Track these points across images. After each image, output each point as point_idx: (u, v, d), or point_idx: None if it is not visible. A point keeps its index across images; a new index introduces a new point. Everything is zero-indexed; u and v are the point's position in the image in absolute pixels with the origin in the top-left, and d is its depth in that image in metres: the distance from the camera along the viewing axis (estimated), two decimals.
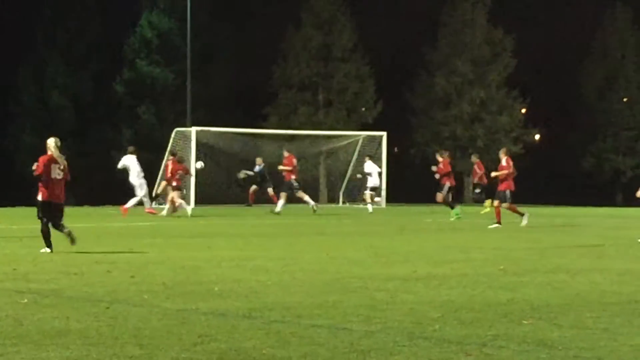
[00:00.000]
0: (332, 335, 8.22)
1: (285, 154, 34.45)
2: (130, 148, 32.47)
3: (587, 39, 67.48)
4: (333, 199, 48.97)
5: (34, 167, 16.60)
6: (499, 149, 28.74)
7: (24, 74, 60.01)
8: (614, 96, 66.99)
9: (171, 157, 34.37)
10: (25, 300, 10.24)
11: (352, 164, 46.25)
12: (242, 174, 37.19)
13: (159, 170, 39.36)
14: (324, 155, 53.39)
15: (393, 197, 46.64)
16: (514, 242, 20.10)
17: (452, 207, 31.13)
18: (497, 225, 25.96)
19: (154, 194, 35.79)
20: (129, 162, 32.77)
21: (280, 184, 34.76)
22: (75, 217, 31.24)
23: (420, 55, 62.71)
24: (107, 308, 9.71)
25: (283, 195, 33.89)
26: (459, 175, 48.11)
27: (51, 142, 16.75)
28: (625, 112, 66.81)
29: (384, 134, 47.56)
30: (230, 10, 60.62)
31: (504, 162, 26.72)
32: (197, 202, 42.11)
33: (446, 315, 9.36)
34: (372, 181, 37.51)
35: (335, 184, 49.51)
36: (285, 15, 60.45)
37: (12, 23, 61.49)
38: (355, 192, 44.30)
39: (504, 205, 26.68)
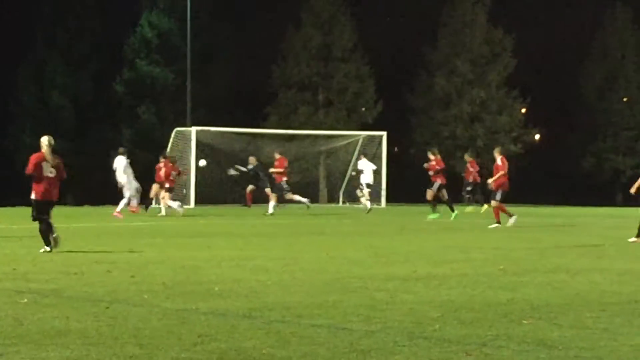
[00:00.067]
0: (332, 335, 8.22)
1: (277, 155, 34.27)
2: (121, 149, 32.32)
3: (587, 39, 67.50)
4: (333, 199, 49.00)
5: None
6: (503, 151, 28.69)
7: (24, 74, 60.03)
8: (614, 96, 67.00)
9: (163, 160, 34.46)
10: (25, 300, 10.24)
11: (352, 164, 46.28)
12: (232, 171, 37.15)
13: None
14: (324, 155, 53.41)
15: (393, 197, 46.69)
16: (514, 242, 20.10)
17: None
18: (497, 225, 25.95)
19: (150, 197, 35.77)
20: (118, 163, 32.32)
21: (272, 185, 34.69)
22: (75, 217, 31.28)
23: (420, 55, 62.72)
24: (107, 308, 9.71)
25: (273, 196, 33.85)
26: (459, 174, 48.01)
27: (44, 140, 16.77)
28: (625, 112, 66.82)
29: (384, 134, 47.60)
30: (230, 10, 60.65)
31: (499, 161, 26.68)
32: (197, 202, 42.19)
33: (446, 315, 9.36)
34: (365, 178, 37.40)
35: (335, 184, 49.54)
36: (285, 15, 60.47)
37: (12, 23, 61.50)
38: (355, 192, 44.32)
39: (493, 203, 26.71)
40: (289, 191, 34.22)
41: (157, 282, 11.96)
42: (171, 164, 34.09)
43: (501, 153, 27.15)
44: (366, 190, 37.38)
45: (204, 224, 27.46)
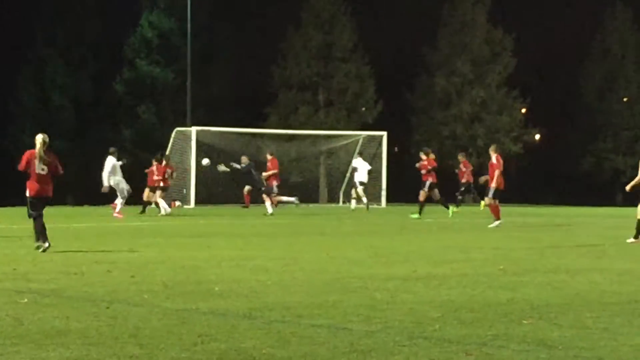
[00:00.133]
0: (332, 335, 8.22)
1: (269, 156, 34.02)
2: (111, 149, 32.23)
3: (587, 39, 67.55)
4: (333, 199, 49.01)
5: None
6: (499, 149, 28.66)
7: (24, 74, 60.06)
8: (614, 96, 67.03)
9: (155, 163, 34.53)
10: (25, 300, 10.24)
11: (352, 164, 46.29)
12: (222, 167, 37.12)
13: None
14: (324, 155, 53.42)
15: (393, 197, 46.70)
16: (514, 242, 20.10)
17: (421, 208, 31.19)
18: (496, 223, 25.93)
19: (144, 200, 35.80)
20: (106, 163, 32.10)
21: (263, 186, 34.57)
22: (75, 217, 31.29)
23: (421, 56, 62.76)
24: (107, 308, 9.71)
25: (266, 197, 33.64)
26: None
27: (38, 137, 16.88)
28: (625, 112, 66.86)
29: (384, 134, 47.60)
30: (230, 10, 60.67)
31: (494, 160, 26.61)
32: (197, 202, 42.21)
33: (446, 315, 9.36)
34: (359, 177, 37.30)
35: (335, 184, 49.56)
36: (285, 15, 60.52)
37: (12, 23, 61.51)
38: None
39: (486, 200, 26.71)
40: (276, 194, 33.98)
41: (157, 282, 11.96)
42: (165, 163, 34.18)
43: (496, 151, 27.05)
44: (360, 188, 37.30)
45: (204, 224, 27.46)
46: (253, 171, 34.96)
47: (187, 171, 43.11)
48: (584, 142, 66.26)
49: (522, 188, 60.54)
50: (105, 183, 31.26)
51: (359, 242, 19.98)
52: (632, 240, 19.88)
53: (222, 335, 8.18)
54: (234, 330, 8.47)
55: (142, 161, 38.68)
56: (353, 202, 36.55)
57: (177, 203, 42.03)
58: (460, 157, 37.90)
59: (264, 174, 33.72)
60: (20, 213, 31.18)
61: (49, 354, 7.39)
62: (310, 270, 13.52)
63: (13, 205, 36.27)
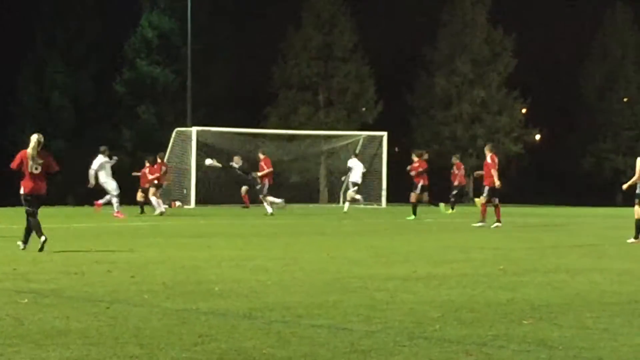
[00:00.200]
0: (332, 335, 8.22)
1: (261, 156, 33.71)
2: (101, 148, 32.20)
3: (587, 39, 67.55)
4: (333, 199, 48.99)
5: None
6: (499, 150, 28.68)
7: (24, 74, 60.04)
8: (614, 96, 67.02)
9: (148, 165, 34.60)
10: (26, 300, 10.24)
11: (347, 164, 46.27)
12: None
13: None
14: (325, 156, 53.40)
15: (393, 197, 46.67)
16: (514, 242, 20.10)
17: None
18: (497, 224, 25.93)
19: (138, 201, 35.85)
20: (95, 161, 31.96)
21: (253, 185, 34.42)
22: (75, 217, 31.29)
23: (421, 56, 62.74)
24: (108, 308, 9.71)
25: (264, 197, 33.40)
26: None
27: (33, 138, 16.96)
28: (626, 112, 66.85)
29: (385, 134, 47.59)
30: (230, 10, 60.63)
31: (488, 159, 26.59)
32: (197, 202, 42.20)
33: (446, 315, 9.36)
34: (353, 177, 37.18)
35: (335, 184, 49.52)
36: (285, 15, 60.49)
37: (12, 23, 61.49)
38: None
39: (482, 198, 26.73)
40: (265, 194, 33.58)
41: (157, 282, 11.96)
42: (159, 162, 34.23)
43: (491, 150, 27.00)
44: (351, 190, 37.18)
45: (204, 224, 27.46)
46: (249, 172, 34.84)
47: (187, 171, 43.10)
48: (584, 142, 66.26)
49: (523, 188, 60.56)
50: (92, 180, 31.30)
51: (359, 242, 19.98)
52: (632, 240, 19.89)
53: (222, 336, 8.18)
54: (234, 330, 8.47)
55: (142, 161, 38.61)
56: (346, 204, 36.49)
57: (178, 203, 42.04)
58: (454, 159, 37.85)
59: (259, 173, 33.41)
60: (20, 213, 31.17)
61: (49, 354, 7.39)
62: (311, 271, 13.52)
63: (13, 205, 36.24)
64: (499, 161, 27.99)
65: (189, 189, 42.88)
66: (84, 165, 32.66)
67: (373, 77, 60.69)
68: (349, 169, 37.44)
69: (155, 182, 33.83)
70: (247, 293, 10.97)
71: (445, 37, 62.82)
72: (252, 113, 57.18)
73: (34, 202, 16.79)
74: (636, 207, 19.99)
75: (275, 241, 20.16)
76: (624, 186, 21.01)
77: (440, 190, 38.31)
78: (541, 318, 9.22)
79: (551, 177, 69.22)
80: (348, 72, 60.26)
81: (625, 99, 67.21)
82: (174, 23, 57.51)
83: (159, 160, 34.69)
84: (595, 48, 67.92)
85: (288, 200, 37.54)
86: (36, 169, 16.71)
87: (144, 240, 19.72)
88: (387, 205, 45.19)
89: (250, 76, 58.86)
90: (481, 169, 27.48)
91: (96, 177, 31.21)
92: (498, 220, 26.07)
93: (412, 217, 30.91)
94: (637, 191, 20.02)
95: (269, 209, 32.74)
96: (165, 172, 34.91)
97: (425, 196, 31.89)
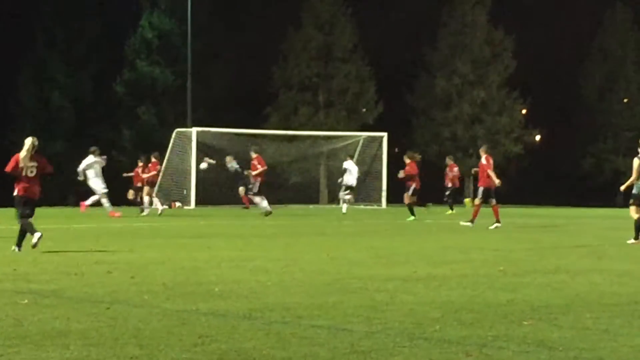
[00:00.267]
0: (332, 336, 8.22)
1: (253, 154, 33.51)
2: (92, 148, 32.25)
3: (587, 39, 67.54)
4: (333, 200, 49.01)
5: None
6: (499, 150, 28.67)
7: (24, 74, 60.04)
8: (614, 97, 67.02)
9: (141, 164, 34.61)
10: (26, 301, 10.24)
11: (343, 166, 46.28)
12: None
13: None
14: (325, 156, 53.41)
15: (393, 197, 46.67)
16: (514, 243, 20.10)
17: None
18: (497, 224, 25.93)
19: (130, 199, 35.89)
20: (84, 161, 31.96)
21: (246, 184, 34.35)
22: (75, 217, 31.29)
23: (421, 56, 62.74)
24: (108, 309, 9.71)
25: (260, 198, 33.24)
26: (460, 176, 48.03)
27: (27, 141, 16.96)
28: (626, 112, 66.83)
29: (385, 134, 47.63)
30: (230, 10, 60.63)
31: (483, 160, 26.58)
32: (197, 203, 42.22)
33: (446, 316, 9.36)
34: (348, 179, 37.10)
35: (335, 185, 49.55)
36: (285, 16, 60.47)
37: (12, 23, 61.50)
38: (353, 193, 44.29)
39: (475, 201, 26.75)
40: (254, 193, 33.38)
41: (157, 282, 11.96)
42: (154, 161, 34.26)
43: (486, 152, 26.97)
44: (342, 192, 37.13)
45: (204, 225, 27.47)
46: (243, 172, 34.78)
47: (187, 172, 43.12)
48: (584, 142, 66.25)
49: (522, 189, 60.54)
50: (80, 177, 31.49)
51: (359, 242, 19.98)
52: (632, 241, 19.89)
53: (222, 336, 8.18)
54: (234, 331, 8.47)
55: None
56: (344, 205, 36.48)
57: (178, 204, 42.06)
58: (448, 160, 37.83)
59: (253, 172, 33.17)
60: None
61: (49, 355, 7.40)
62: (311, 271, 13.52)
63: (13, 206, 36.25)
64: (498, 162, 28.00)
65: (189, 190, 42.91)
66: None
67: (373, 78, 60.69)
68: (344, 171, 37.40)
69: (150, 181, 33.84)
70: (247, 294, 10.97)
71: (445, 37, 62.83)
72: (252, 114, 57.17)
73: (28, 204, 16.77)
74: (631, 207, 20.04)
75: (275, 242, 20.16)
76: (622, 187, 21.04)
77: (441, 191, 38.35)
78: (541, 319, 9.22)
79: (551, 177, 69.21)
80: (348, 72, 60.26)
81: (625, 100, 67.21)
82: (174, 23, 57.52)
83: (153, 160, 34.64)
84: (595, 48, 67.92)
85: (288, 201, 37.52)
86: (31, 172, 16.72)
87: (144, 241, 19.72)
88: (387, 206, 45.20)
89: (250, 77, 58.86)
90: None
91: (85, 177, 31.47)
92: (497, 221, 26.06)
93: (412, 218, 30.91)
94: (634, 191, 20.04)
95: (267, 208, 32.51)
96: (159, 172, 34.94)
97: (414, 199, 31.81)
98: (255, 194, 32.72)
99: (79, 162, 32.17)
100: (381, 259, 15.63)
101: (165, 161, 42.38)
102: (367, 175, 46.77)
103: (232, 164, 35.16)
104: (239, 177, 36.71)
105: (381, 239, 21.32)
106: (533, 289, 11.55)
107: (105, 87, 58.68)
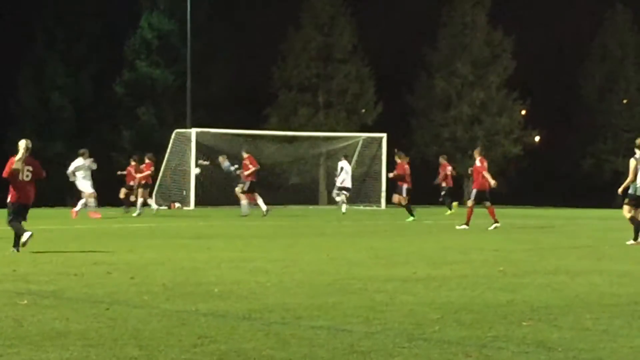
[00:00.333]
0: (331, 337, 8.22)
1: (245, 154, 33.40)
2: (81, 150, 32.26)
3: (587, 39, 67.52)
4: (333, 201, 49.00)
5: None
6: (499, 151, 28.66)
7: (24, 74, 60.02)
8: (614, 97, 66.99)
9: (133, 163, 34.59)
10: (25, 302, 10.24)
11: (352, 165, 46.25)
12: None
13: (158, 172, 39.41)
14: (324, 157, 53.39)
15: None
16: (514, 244, 20.10)
17: (411, 210, 31.18)
18: (496, 225, 25.92)
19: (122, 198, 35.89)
20: (73, 163, 31.94)
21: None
22: (75, 218, 31.26)
23: (420, 57, 62.70)
24: (107, 309, 9.71)
25: (256, 195, 33.16)
26: (459, 177, 48.02)
27: (21, 143, 16.99)
28: (625, 113, 66.80)
29: (384, 135, 47.59)
30: (230, 10, 60.61)
31: (477, 163, 26.57)
32: (196, 204, 42.21)
33: (446, 316, 9.36)
34: (346, 181, 37.00)
35: (335, 186, 49.53)
36: (285, 16, 60.47)
37: (12, 23, 61.49)
38: (352, 193, 44.27)
39: (468, 202, 26.78)
40: (245, 192, 33.30)
41: (156, 283, 11.96)
42: (148, 162, 34.24)
43: (480, 154, 26.94)
44: (335, 192, 37.08)
45: (203, 226, 27.47)
46: (238, 172, 34.69)
47: (187, 173, 43.10)
48: (583, 143, 66.22)
49: (522, 189, 60.54)
50: (71, 178, 31.68)
51: (358, 243, 19.98)
52: (631, 242, 19.89)
53: (221, 337, 8.18)
54: (234, 331, 8.47)
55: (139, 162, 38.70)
56: (344, 206, 36.46)
57: (177, 204, 42.05)
58: (442, 160, 37.83)
59: (245, 172, 33.07)
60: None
61: (48, 356, 7.39)
62: (310, 272, 13.52)
63: None
64: (498, 162, 27.97)
65: (188, 191, 42.89)
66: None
67: (373, 78, 60.66)
68: (341, 170, 37.34)
69: (143, 182, 33.77)
70: (246, 294, 10.97)
71: (445, 38, 62.81)
72: (252, 114, 57.15)
73: (21, 210, 16.73)
74: (625, 206, 20.10)
75: (274, 242, 20.16)
76: (619, 190, 21.04)
77: (437, 191, 38.30)
78: (541, 319, 9.22)
79: (551, 178, 69.19)
80: (348, 73, 60.24)
81: (625, 101, 67.17)
82: (174, 24, 57.49)
83: (147, 161, 34.55)
84: (595, 48, 67.88)
85: (287, 202, 37.46)
86: (27, 176, 16.72)
87: (143, 242, 19.72)
88: (386, 206, 45.19)
89: (250, 77, 58.85)
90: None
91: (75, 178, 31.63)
92: (495, 221, 26.04)
93: (411, 218, 30.91)
94: (630, 191, 20.06)
95: (264, 207, 32.44)
96: (153, 173, 34.94)
97: (404, 200, 31.77)
98: (244, 193, 32.75)
99: None
100: (381, 260, 15.63)
101: (164, 162, 42.38)
102: (367, 176, 46.76)
103: (225, 163, 35.09)
104: (233, 176, 36.70)
105: (381, 240, 21.32)
106: (533, 290, 11.55)
107: (105, 88, 58.65)
